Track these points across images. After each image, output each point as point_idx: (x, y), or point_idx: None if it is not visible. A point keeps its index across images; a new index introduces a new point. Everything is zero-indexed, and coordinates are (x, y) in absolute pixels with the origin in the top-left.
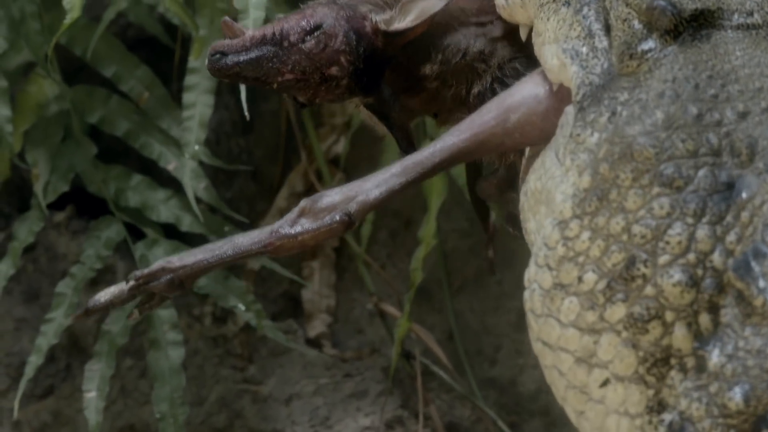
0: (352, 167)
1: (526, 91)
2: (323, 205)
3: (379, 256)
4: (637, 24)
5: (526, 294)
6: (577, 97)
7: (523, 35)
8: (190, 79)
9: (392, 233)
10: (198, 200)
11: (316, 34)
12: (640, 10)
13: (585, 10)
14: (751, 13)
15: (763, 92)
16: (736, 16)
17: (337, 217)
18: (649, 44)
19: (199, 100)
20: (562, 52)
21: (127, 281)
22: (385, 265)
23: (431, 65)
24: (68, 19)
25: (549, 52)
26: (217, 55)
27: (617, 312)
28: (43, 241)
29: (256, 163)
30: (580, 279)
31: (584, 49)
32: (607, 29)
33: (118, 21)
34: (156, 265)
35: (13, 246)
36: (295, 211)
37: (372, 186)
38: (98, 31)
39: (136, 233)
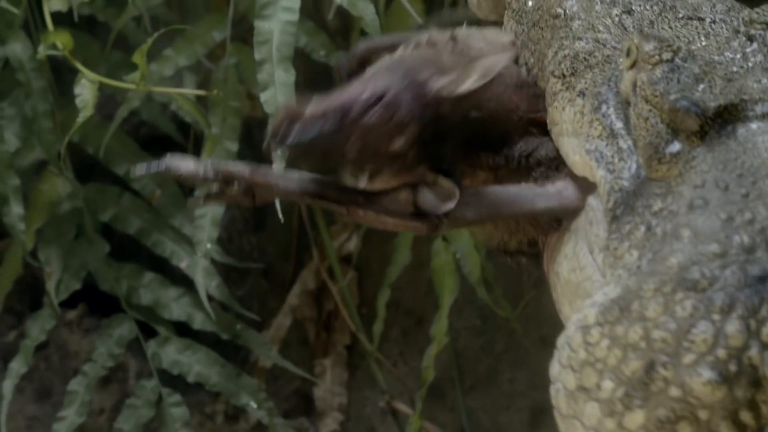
0: (364, 265)
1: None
2: (420, 202)
3: (391, 353)
4: (660, 123)
5: (552, 391)
6: (609, 204)
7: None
8: None
9: (404, 331)
10: (210, 298)
11: (378, 105)
12: (663, 110)
13: (604, 108)
14: None
15: None
16: (759, 106)
17: (437, 222)
18: (677, 147)
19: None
20: (585, 153)
21: (206, 169)
22: (397, 363)
23: (494, 156)
24: (81, 118)
25: (569, 146)
26: (281, 134)
27: (636, 418)
28: (56, 339)
29: (268, 261)
30: (599, 386)
31: (608, 151)
32: (628, 126)
33: (131, 119)
34: (238, 169)
35: (25, 344)
36: (400, 190)
37: (476, 204)
38: (111, 130)
39: (148, 331)
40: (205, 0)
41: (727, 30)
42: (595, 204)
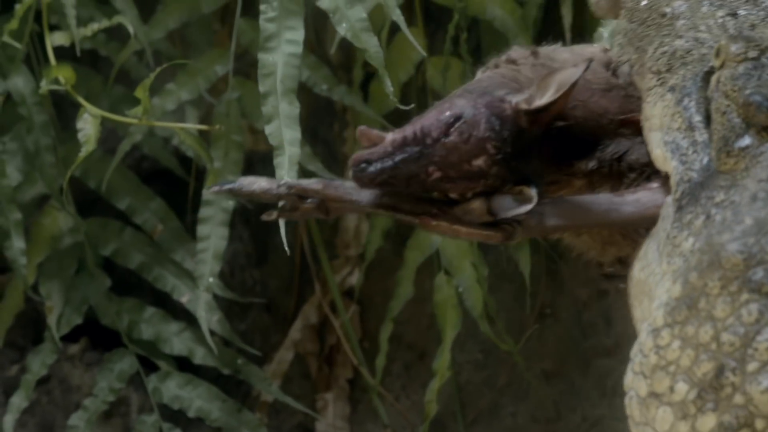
0: (366, 299)
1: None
2: (494, 207)
3: (394, 387)
4: (735, 118)
5: (626, 400)
6: (677, 194)
7: None
8: (204, 212)
9: (407, 365)
10: (211, 333)
11: (457, 125)
12: (738, 104)
13: (686, 101)
14: None
15: None
16: None
17: (510, 229)
18: (746, 141)
19: (213, 232)
20: (663, 144)
21: (279, 185)
22: (400, 397)
23: (587, 162)
24: (83, 152)
25: (654, 140)
26: (363, 165)
27: (708, 422)
28: (57, 373)
29: (270, 295)
30: (671, 389)
31: (684, 143)
32: (708, 121)
33: (133, 153)
34: (312, 184)
35: (27, 378)
36: (474, 201)
37: (550, 213)
38: (113, 164)
39: (149, 366)
40: (207, 34)
41: None
42: (669, 200)
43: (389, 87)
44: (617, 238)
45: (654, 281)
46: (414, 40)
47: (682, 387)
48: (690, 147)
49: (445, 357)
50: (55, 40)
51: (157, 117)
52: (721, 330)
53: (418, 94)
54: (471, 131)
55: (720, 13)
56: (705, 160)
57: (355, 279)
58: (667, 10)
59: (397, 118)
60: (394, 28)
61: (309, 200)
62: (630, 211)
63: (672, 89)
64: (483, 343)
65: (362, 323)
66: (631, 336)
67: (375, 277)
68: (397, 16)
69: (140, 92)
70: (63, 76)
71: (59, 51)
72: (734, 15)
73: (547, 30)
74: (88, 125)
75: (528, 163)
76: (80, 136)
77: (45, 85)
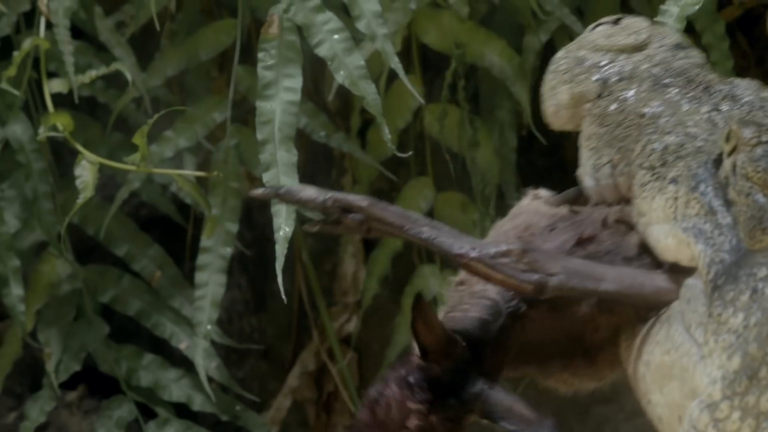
0: (364, 346)
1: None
2: (531, 260)
3: None
4: (761, 198)
5: None
6: (710, 276)
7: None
8: (202, 259)
9: None
10: (210, 379)
11: (378, 403)
12: (765, 184)
13: (702, 187)
14: None
15: None
16: None
17: (534, 279)
18: None
19: (211, 279)
20: (682, 231)
21: (326, 198)
22: None
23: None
24: (81, 199)
25: (659, 233)
26: None
27: None
28: (55, 420)
29: (267, 342)
30: None
31: (707, 227)
32: (727, 204)
33: (131, 200)
34: (359, 200)
35: (25, 426)
36: (506, 248)
37: (580, 275)
38: (111, 211)
39: (147, 413)
40: (205, 81)
41: None
42: (692, 283)
43: (387, 134)
44: (620, 311)
45: (690, 362)
46: (412, 88)
47: None
48: (714, 230)
49: None
50: (53, 87)
51: (155, 164)
52: None
53: (416, 141)
54: (388, 401)
55: (704, 109)
56: (734, 241)
57: (352, 326)
58: (646, 110)
59: (394, 165)
60: (392, 76)
61: (351, 216)
62: (660, 288)
63: (674, 181)
64: None
65: (360, 370)
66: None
67: (372, 324)
68: (395, 64)
69: (138, 139)
70: (61, 123)
71: (57, 98)
72: (718, 110)
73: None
74: (86, 172)
75: (472, 382)
76: (78, 183)
77: (43, 132)
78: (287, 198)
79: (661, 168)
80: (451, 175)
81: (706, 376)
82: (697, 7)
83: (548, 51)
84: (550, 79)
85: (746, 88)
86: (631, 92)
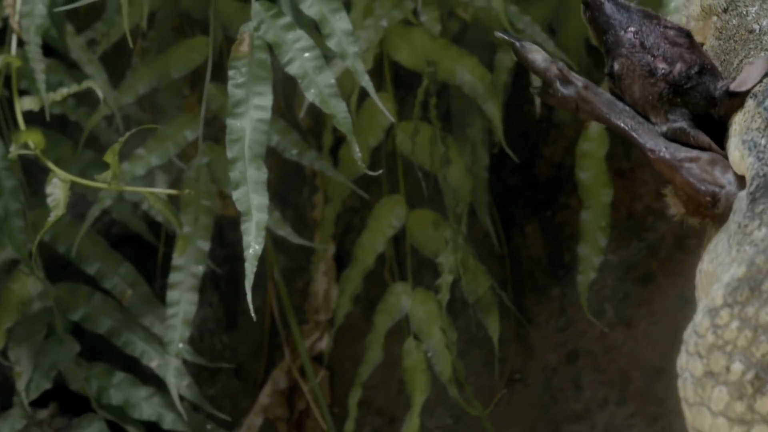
0: (336, 364)
1: None
2: (716, 172)
3: None
4: None
5: (680, 382)
6: (751, 188)
7: None
8: (173, 277)
9: (376, 430)
10: (181, 398)
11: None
12: None
13: (767, 102)
14: None
15: None
16: None
17: (710, 190)
18: None
19: (182, 297)
20: (741, 143)
21: (551, 66)
22: None
23: None
24: (52, 217)
25: (732, 145)
26: None
27: (767, 403)
28: None
29: (239, 360)
30: (728, 368)
31: (763, 141)
32: None
33: (102, 218)
34: (578, 79)
35: None
36: (695, 155)
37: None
38: (83, 229)
39: (118, 431)
40: (176, 99)
41: None
42: (743, 194)
43: (358, 152)
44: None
45: (722, 270)
46: (383, 106)
47: (738, 367)
48: (767, 145)
49: (414, 422)
50: (24, 104)
51: (126, 182)
52: None
53: (388, 159)
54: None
55: None
56: None
57: (324, 344)
58: (755, 26)
59: (366, 183)
60: (364, 94)
61: (566, 90)
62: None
63: (754, 96)
64: (452, 408)
65: (332, 388)
66: (600, 401)
67: (344, 342)
68: (366, 82)
69: (110, 157)
70: (32, 140)
71: (28, 116)
72: None
73: (516, 95)
74: (57, 190)
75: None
76: (49, 200)
77: (14, 150)
78: (519, 54)
79: None
80: (423, 192)
81: (719, 281)
82: None
83: (520, 69)
84: None
85: None
86: (755, 8)
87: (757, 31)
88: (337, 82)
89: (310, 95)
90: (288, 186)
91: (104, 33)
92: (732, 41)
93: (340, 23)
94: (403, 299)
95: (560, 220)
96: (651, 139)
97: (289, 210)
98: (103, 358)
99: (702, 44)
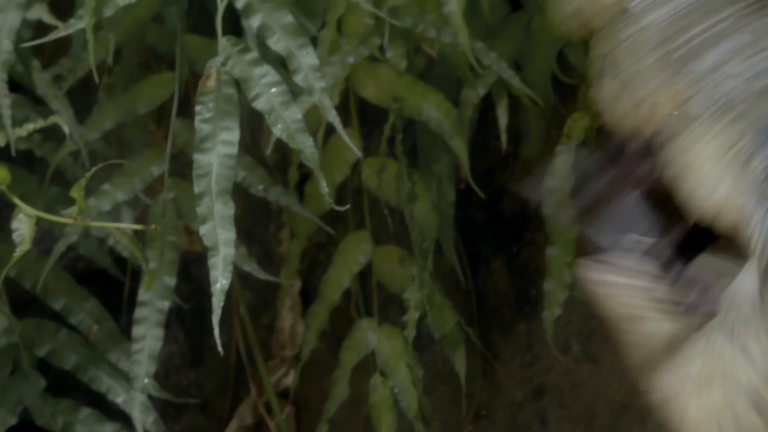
0: (302, 400)
1: None
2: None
3: None
4: None
5: None
6: (765, 258)
7: None
8: (139, 312)
9: None
10: None
11: None
12: None
13: None
14: None
15: None
16: None
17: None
18: None
19: (148, 333)
20: (735, 189)
21: None
22: None
23: None
24: (18, 252)
25: (709, 178)
26: None
27: None
28: None
29: (205, 396)
30: None
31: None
32: None
33: (68, 254)
34: None
35: None
36: None
37: None
38: (48, 264)
39: None
40: (143, 135)
41: None
42: (736, 289)
43: (324, 188)
44: None
45: (734, 365)
46: (349, 141)
47: None
48: None
49: None
50: None
51: (92, 217)
52: None
53: (354, 194)
54: None
55: None
56: None
57: (290, 380)
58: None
59: (332, 219)
60: (330, 129)
61: None
62: None
63: (733, 123)
64: None
65: (298, 424)
66: None
67: (310, 378)
68: (333, 117)
69: (76, 192)
70: None
71: None
72: None
73: (482, 131)
74: (23, 225)
75: None
76: (15, 236)
77: None
78: None
79: (726, 104)
80: (390, 228)
81: (747, 371)
82: None
83: (486, 104)
84: None
85: None
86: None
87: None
88: (304, 118)
89: (277, 130)
90: (254, 221)
91: (70, 68)
92: None
93: (306, 59)
94: (369, 335)
95: (526, 256)
96: None
97: (255, 245)
98: (69, 394)
99: None
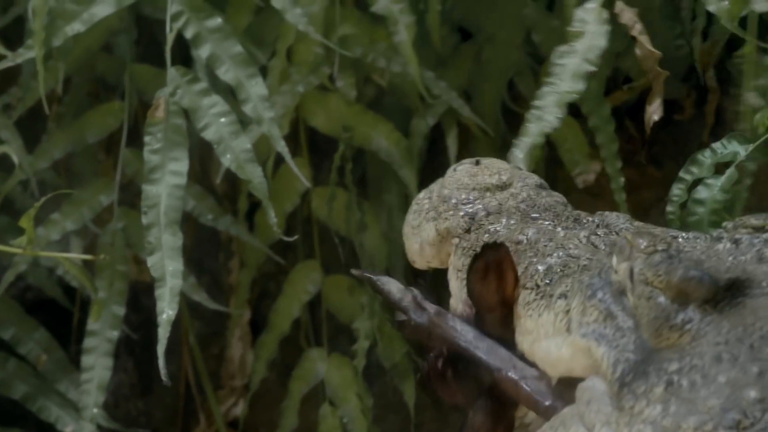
0: (251, 430)
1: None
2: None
3: None
4: (663, 299)
5: None
6: (616, 374)
7: None
8: (88, 342)
9: None
10: None
11: None
12: (668, 285)
13: (599, 294)
14: None
15: None
16: (764, 283)
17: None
18: (689, 315)
19: (97, 362)
20: (581, 337)
21: (406, 297)
22: None
23: None
24: None
25: (552, 345)
26: None
27: None
28: None
29: (154, 426)
30: None
31: (608, 331)
32: (625, 310)
33: (17, 283)
34: (430, 307)
35: None
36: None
37: None
38: None
39: None
40: (92, 164)
41: (706, 239)
42: (589, 385)
43: (273, 218)
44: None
45: None
46: (298, 171)
47: None
48: (616, 333)
49: None
50: None
51: (41, 247)
52: None
53: (304, 224)
54: None
55: (582, 234)
56: (638, 341)
57: (240, 410)
58: (521, 237)
59: (282, 248)
60: (279, 159)
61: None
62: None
63: (563, 296)
64: None
65: None
66: None
67: (260, 407)
68: (282, 147)
69: (25, 222)
70: None
71: None
72: (596, 234)
73: (432, 161)
74: None
75: None
76: None
77: None
78: (375, 287)
79: (547, 286)
80: (339, 258)
81: None
82: (575, 95)
83: (436, 134)
84: (412, 219)
85: (617, 217)
86: (502, 225)
87: (525, 242)
88: (253, 148)
89: (226, 160)
90: (203, 251)
91: (20, 98)
92: None
93: (256, 88)
94: (319, 365)
95: None
96: (498, 359)
97: (204, 275)
98: (18, 424)
99: (442, 264)
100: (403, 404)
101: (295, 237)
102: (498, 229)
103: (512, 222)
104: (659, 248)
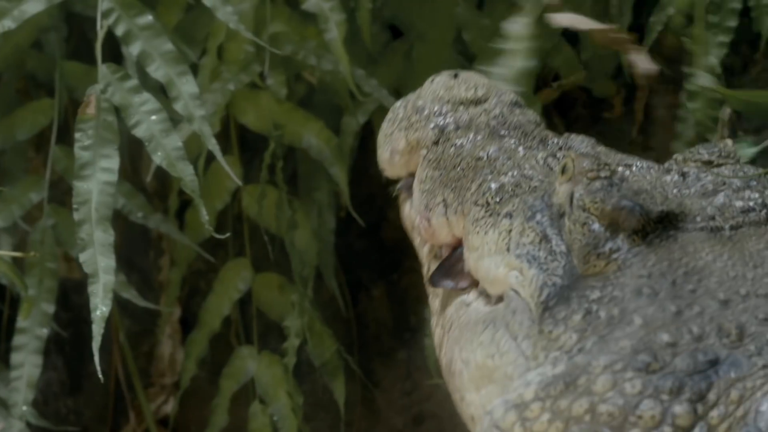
0: (181, 427)
1: None
2: None
3: None
4: (597, 227)
5: None
6: (541, 298)
7: (445, 253)
8: (18, 339)
9: None
10: None
11: None
12: (603, 213)
13: (538, 216)
14: (712, 218)
15: (738, 280)
16: (698, 218)
17: None
18: (617, 244)
19: (27, 360)
20: (515, 258)
21: None
22: None
23: None
24: None
25: (491, 264)
26: None
27: None
28: None
29: (84, 424)
30: None
31: (541, 253)
32: (561, 233)
33: None
34: None
35: None
36: None
37: None
38: None
39: None
40: (22, 162)
41: (657, 170)
42: (514, 295)
43: (204, 215)
44: None
45: (516, 371)
46: (229, 169)
47: None
48: (548, 256)
49: None
50: None
51: None
52: (599, 402)
53: (234, 222)
54: None
55: (540, 155)
56: (567, 266)
57: (170, 407)
58: (482, 154)
59: (212, 246)
60: (210, 157)
61: None
62: None
63: (509, 215)
64: None
65: None
66: None
67: (190, 405)
68: (213, 145)
69: None
70: None
71: None
72: (554, 156)
73: (362, 159)
74: None
75: None
76: None
77: None
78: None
79: (497, 204)
80: (270, 256)
81: (525, 381)
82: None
83: (366, 132)
84: (386, 127)
85: (581, 141)
86: (468, 139)
87: (485, 158)
88: (184, 145)
89: (157, 158)
90: (133, 249)
91: None
92: (458, 169)
93: (186, 86)
94: (249, 363)
95: (406, 283)
96: None
97: (134, 273)
98: None
99: (411, 175)
100: (333, 402)
101: (226, 235)
102: (464, 143)
103: (479, 138)
104: (602, 174)
